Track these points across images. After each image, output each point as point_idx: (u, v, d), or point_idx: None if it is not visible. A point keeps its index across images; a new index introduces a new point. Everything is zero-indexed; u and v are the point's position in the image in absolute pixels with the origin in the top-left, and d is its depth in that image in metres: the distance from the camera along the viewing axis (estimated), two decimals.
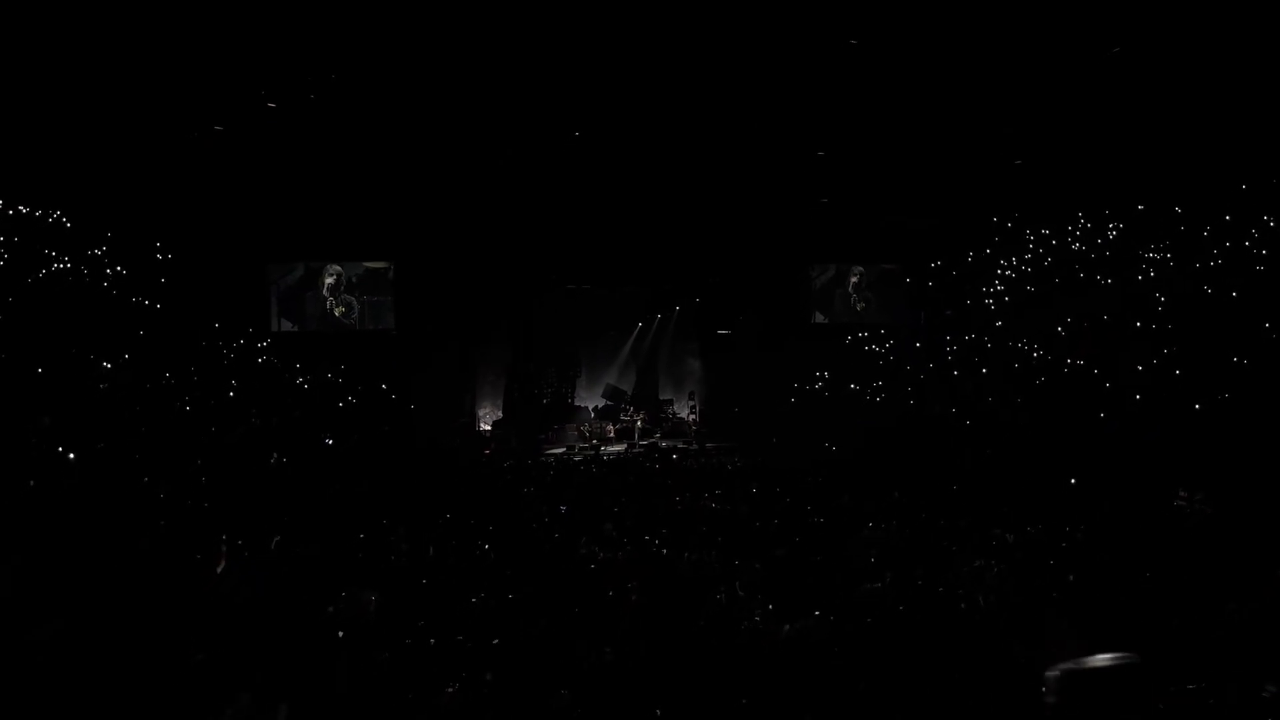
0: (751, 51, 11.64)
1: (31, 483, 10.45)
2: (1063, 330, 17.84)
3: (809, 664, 6.05)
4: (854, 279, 23.52)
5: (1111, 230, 17.78)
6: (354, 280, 21.01)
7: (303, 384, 18.87)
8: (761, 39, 11.26)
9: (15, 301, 14.02)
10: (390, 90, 12.88)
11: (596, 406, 25.07)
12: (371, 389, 19.85)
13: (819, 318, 23.36)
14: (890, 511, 11.31)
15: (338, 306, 20.65)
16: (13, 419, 12.40)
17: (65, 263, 15.49)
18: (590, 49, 11.51)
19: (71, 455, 11.30)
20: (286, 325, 20.58)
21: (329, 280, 20.67)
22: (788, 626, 6.29)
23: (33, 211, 15.12)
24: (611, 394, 25.27)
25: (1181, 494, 10.77)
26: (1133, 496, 11.07)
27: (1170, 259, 16.41)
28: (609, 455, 20.48)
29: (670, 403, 25.73)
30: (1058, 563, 8.13)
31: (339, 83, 12.48)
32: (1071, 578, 7.57)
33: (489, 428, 23.73)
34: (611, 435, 23.38)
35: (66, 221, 15.73)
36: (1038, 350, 18.44)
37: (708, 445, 21.61)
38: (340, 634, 5.99)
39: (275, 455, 15.01)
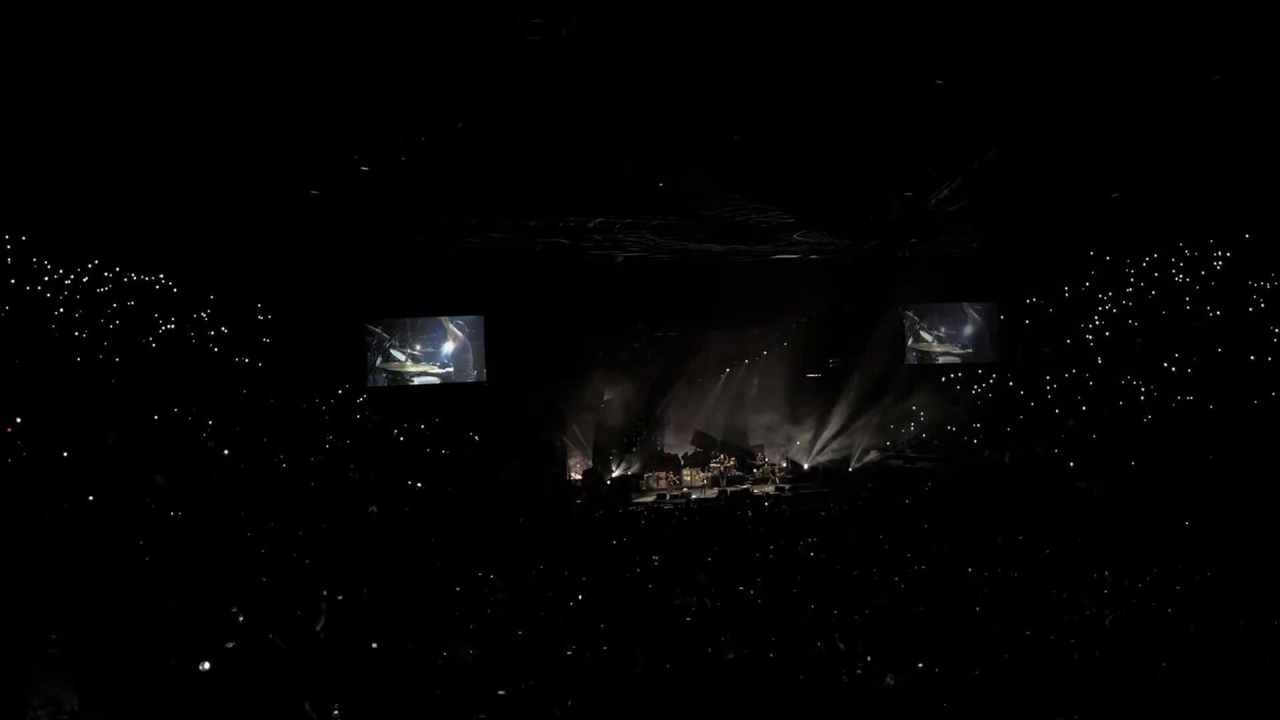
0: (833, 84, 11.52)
1: (141, 542, 10.87)
2: (1170, 365, 17.20)
3: (912, 717, 5.86)
4: (924, 322, 23.30)
5: (1217, 260, 17.13)
6: (444, 335, 21.58)
7: (398, 437, 19.33)
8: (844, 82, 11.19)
9: (126, 364, 14.74)
10: (477, 148, 13.14)
11: (686, 454, 24.90)
12: (464, 441, 20.21)
13: (912, 358, 23.02)
14: (994, 558, 10.98)
15: (425, 365, 21.32)
16: (129, 477, 12.99)
17: (171, 323, 16.28)
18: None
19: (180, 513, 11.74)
20: (382, 380, 21.16)
21: (401, 340, 21.42)
22: (890, 678, 6.12)
23: (142, 277, 15.94)
24: (701, 441, 25.10)
25: None
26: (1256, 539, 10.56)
27: None
28: (699, 503, 20.29)
29: (761, 449, 25.43)
30: (1177, 610, 7.76)
31: (428, 144, 12.78)
32: (1192, 628, 7.21)
33: (579, 477, 23.78)
34: (702, 483, 23.18)
35: (173, 286, 16.51)
36: (1144, 386, 17.79)
37: (800, 490, 21.27)
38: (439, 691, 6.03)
39: (372, 509, 15.34)
